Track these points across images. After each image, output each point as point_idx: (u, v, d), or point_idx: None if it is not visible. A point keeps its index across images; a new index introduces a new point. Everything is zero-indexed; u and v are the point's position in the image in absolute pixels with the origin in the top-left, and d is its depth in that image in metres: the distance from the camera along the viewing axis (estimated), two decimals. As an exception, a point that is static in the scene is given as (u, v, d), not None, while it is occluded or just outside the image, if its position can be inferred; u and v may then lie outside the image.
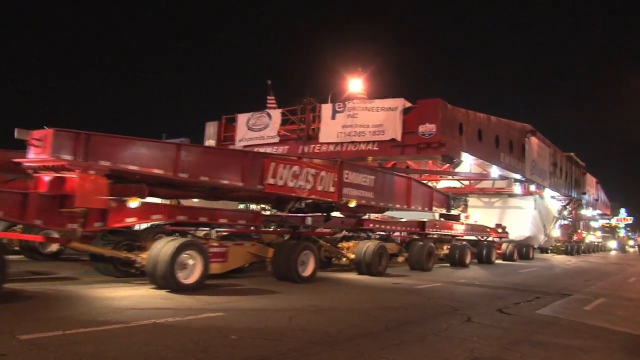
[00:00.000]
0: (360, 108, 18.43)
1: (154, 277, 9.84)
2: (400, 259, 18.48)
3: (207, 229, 12.33)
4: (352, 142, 18.56)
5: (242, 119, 21.64)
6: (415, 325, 7.75)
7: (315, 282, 12.50)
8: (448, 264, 20.94)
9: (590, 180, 46.09)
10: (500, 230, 27.34)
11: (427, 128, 16.83)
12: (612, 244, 66.30)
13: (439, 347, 6.40)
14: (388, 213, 24.20)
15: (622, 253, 57.81)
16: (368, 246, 15.15)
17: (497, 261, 25.27)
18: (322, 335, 6.72)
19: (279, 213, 15.70)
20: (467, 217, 24.10)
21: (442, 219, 21.89)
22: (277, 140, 20.49)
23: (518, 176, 25.58)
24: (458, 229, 22.28)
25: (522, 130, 25.19)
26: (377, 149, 18.13)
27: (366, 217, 18.80)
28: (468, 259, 21.11)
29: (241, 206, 21.41)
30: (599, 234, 62.28)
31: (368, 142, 18.26)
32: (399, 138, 17.60)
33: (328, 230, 16.36)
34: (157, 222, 12.06)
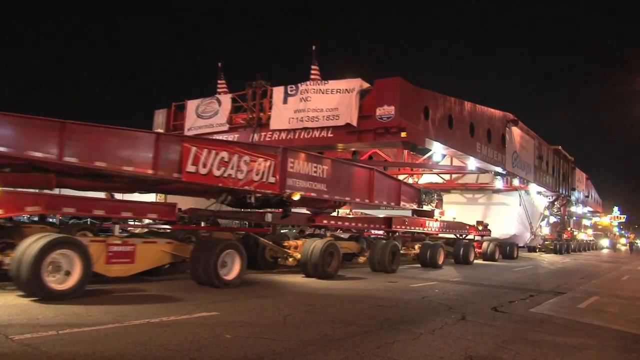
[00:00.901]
0: (313, 90, 16.44)
1: (19, 281, 7.98)
2: (362, 259, 16.69)
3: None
4: (305, 129, 16.61)
5: (191, 105, 19.71)
6: (410, 324, 7.66)
7: (240, 287, 10.61)
8: (419, 265, 19.10)
9: (580, 175, 44.31)
10: (481, 227, 25.49)
11: (385, 111, 14.83)
12: (604, 242, 64.65)
13: (433, 345, 6.34)
14: (367, 211, 22.53)
15: (614, 251, 56.11)
16: (315, 245, 13.24)
17: (477, 261, 23.37)
18: (317, 333, 6.60)
19: (210, 208, 13.96)
20: (442, 214, 22.10)
21: (414, 216, 20.08)
22: (226, 128, 18.56)
23: (499, 169, 23.68)
24: (432, 226, 20.40)
25: (502, 119, 23.27)
26: (331, 135, 16.17)
27: (334, 213, 17.10)
28: (441, 259, 19.19)
29: None
30: (590, 232, 60.54)
31: (322, 129, 16.30)
32: (354, 123, 15.61)
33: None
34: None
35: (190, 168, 10.55)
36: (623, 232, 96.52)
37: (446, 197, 30.13)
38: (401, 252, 18.76)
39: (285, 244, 14.11)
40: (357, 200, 15.74)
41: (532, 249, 38.23)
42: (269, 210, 14.84)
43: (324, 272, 13.09)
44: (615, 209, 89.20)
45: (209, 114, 18.91)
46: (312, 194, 13.60)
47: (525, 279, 16.53)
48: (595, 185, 57.16)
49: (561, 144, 35.45)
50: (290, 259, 13.81)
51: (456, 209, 28.83)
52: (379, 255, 15.98)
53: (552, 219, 41.43)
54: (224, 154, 11.19)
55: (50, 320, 6.56)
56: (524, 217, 31.37)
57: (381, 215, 19.33)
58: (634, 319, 9.65)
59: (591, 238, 58.46)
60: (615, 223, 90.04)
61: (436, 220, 21.04)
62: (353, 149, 26.30)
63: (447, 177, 29.67)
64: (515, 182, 26.83)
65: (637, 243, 61.87)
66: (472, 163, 21.81)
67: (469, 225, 24.16)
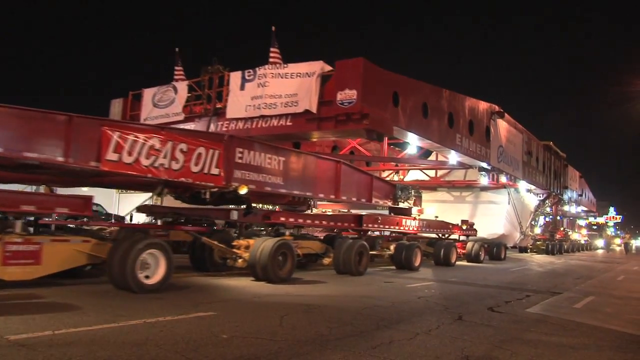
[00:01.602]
0: (271, 75, 14.98)
1: None
2: (327, 260, 15.23)
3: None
4: (262, 117, 15.16)
5: (148, 94, 18.25)
6: (406, 323, 7.65)
7: (164, 292, 9.18)
8: (394, 267, 17.68)
9: (573, 173, 42.87)
10: (465, 227, 24.01)
11: (347, 95, 13.35)
12: (599, 242, 63.35)
13: (430, 345, 6.35)
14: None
15: (608, 252, 54.77)
16: (265, 244, 11.83)
17: (459, 263, 21.92)
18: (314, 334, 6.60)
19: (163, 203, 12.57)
20: (420, 212, 20.64)
21: (391, 214, 18.66)
22: (182, 117, 17.12)
23: (483, 164, 22.24)
24: (409, 225, 18.95)
25: (486, 110, 21.83)
26: (290, 123, 14.68)
27: (309, 212, 15.70)
28: (417, 261, 17.73)
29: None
30: (584, 232, 59.13)
31: (280, 116, 14.84)
32: (314, 110, 14.14)
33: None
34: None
35: (110, 156, 9.18)
36: (619, 232, 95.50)
37: (432, 195, 28.86)
38: (375, 252, 17.38)
39: (235, 243, 12.66)
40: (321, 195, 14.36)
41: (523, 250, 36.86)
42: (233, 207, 13.56)
43: (274, 275, 11.70)
44: (611, 209, 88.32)
45: (165, 103, 17.47)
46: (267, 188, 12.22)
47: (520, 279, 16.22)
48: (590, 185, 55.81)
49: (557, 143, 34.12)
50: (240, 260, 12.36)
51: (443, 208, 27.39)
52: (344, 256, 14.57)
53: (547, 218, 40.07)
54: (155, 141, 9.83)
55: (46, 320, 6.40)
56: (513, 216, 29.95)
57: (364, 213, 17.91)
58: (629, 319, 9.63)
59: (586, 238, 57.10)
60: (611, 223, 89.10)
61: (414, 218, 19.62)
62: (333, 144, 24.94)
63: (433, 174, 28.28)
64: (503, 178, 25.33)
65: (631, 243, 60.55)
66: (454, 157, 20.37)
67: (452, 225, 22.71)
